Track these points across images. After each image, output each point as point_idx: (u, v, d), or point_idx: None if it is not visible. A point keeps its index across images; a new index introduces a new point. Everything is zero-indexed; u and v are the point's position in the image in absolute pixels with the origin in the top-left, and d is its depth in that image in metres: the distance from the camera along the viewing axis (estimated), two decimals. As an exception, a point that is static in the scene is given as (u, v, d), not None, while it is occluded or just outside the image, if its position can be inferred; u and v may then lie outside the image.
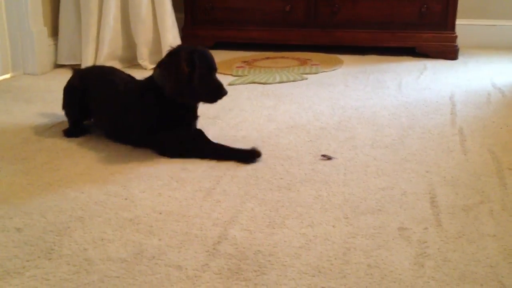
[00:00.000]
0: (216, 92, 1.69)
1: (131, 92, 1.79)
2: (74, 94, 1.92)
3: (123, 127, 1.79)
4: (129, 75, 1.93)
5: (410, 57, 3.12)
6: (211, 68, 1.70)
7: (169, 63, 1.68)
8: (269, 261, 1.16)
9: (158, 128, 1.72)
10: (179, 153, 1.71)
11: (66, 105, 1.96)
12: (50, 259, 1.17)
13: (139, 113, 1.74)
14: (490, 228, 1.28)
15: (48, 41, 2.94)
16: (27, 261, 1.17)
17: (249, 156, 1.67)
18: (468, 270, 1.12)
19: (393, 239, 1.24)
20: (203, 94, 1.69)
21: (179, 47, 1.73)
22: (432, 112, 2.15)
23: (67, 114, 1.96)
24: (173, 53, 1.69)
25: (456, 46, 3.10)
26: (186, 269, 1.13)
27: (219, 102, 1.73)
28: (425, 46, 3.13)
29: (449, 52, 3.09)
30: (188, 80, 1.65)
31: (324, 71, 2.84)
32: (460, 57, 3.10)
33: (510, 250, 1.18)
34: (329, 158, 1.69)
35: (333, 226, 1.30)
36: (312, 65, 2.97)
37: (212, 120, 2.06)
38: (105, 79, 1.89)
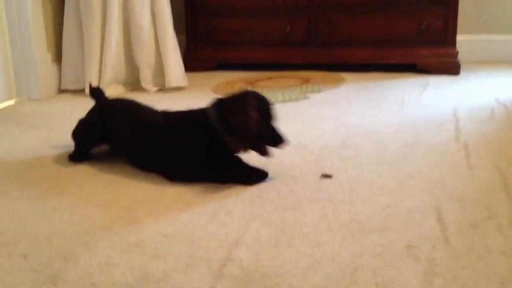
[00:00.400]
0: (278, 141, 1.64)
1: (182, 125, 1.75)
2: (94, 125, 1.91)
3: (165, 158, 1.74)
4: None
5: (412, 73, 3.13)
6: (271, 116, 1.66)
7: (238, 113, 1.61)
8: (276, 282, 1.15)
9: (200, 162, 1.69)
10: (193, 177, 1.70)
11: (80, 133, 1.95)
12: (56, 285, 1.17)
13: (190, 148, 1.70)
14: (498, 244, 1.26)
15: (52, 66, 2.96)
16: (33, 287, 1.16)
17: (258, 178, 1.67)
18: (478, 287, 1.10)
19: (401, 258, 1.22)
20: (265, 142, 1.65)
21: (244, 93, 1.67)
22: (436, 128, 2.14)
23: (77, 141, 1.95)
24: (240, 99, 1.64)
25: (458, 61, 3.11)
26: (193, 292, 1.12)
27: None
28: (426, 62, 3.14)
29: (451, 68, 3.10)
30: (256, 130, 1.62)
31: (326, 90, 2.85)
32: (462, 72, 3.11)
33: (519, 266, 1.17)
34: (328, 176, 1.68)
35: (340, 245, 1.29)
36: (314, 83, 2.98)
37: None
38: (137, 109, 1.89)
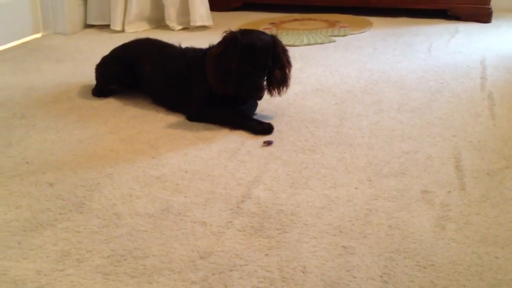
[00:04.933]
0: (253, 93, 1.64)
1: (195, 65, 1.74)
2: (119, 62, 1.91)
3: (183, 97, 1.76)
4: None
5: (442, 20, 3.05)
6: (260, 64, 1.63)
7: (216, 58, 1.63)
8: (291, 220, 1.18)
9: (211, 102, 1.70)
10: (204, 118, 1.71)
11: (103, 69, 1.94)
12: (81, 212, 1.22)
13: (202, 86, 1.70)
14: (514, 193, 1.27)
15: (78, 1, 2.95)
16: (59, 214, 1.22)
17: (262, 130, 1.63)
18: (489, 233, 1.12)
19: (415, 202, 1.24)
20: (243, 91, 1.64)
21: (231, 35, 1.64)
22: (462, 76, 2.11)
23: (100, 76, 1.96)
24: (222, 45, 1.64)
25: (490, 8, 3.01)
26: (211, 225, 1.17)
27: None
28: (458, 8, 3.05)
29: (482, 15, 3.00)
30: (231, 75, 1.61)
31: (353, 34, 2.81)
32: (493, 21, 3.01)
33: (533, 215, 1.18)
34: (269, 144, 1.56)
35: (356, 188, 1.31)
36: (340, 27, 2.93)
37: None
38: (161, 49, 1.89)
